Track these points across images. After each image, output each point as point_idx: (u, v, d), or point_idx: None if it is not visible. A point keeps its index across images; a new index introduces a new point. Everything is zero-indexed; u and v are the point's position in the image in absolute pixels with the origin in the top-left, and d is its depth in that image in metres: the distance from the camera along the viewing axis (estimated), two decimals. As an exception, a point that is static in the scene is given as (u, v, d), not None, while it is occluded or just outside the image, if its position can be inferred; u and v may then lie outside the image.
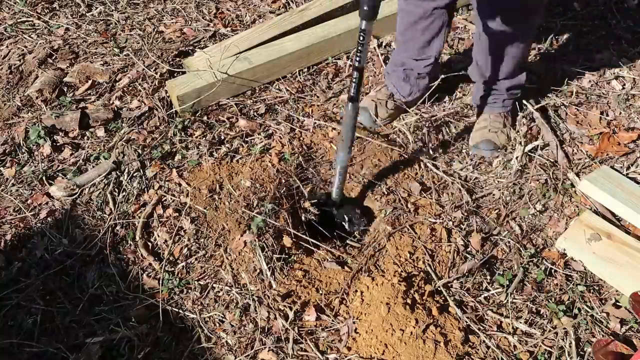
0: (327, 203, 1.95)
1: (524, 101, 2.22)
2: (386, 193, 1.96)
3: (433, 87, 2.15)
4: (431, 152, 2.09)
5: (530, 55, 2.32)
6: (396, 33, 2.12)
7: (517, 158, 2.02)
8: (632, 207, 1.85)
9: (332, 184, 1.85)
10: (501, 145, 2.08)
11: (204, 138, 2.12)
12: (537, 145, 2.08)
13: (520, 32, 1.84)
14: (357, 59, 1.43)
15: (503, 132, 2.09)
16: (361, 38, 1.38)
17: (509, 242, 1.84)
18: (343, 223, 1.95)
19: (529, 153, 2.07)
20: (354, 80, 1.50)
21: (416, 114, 2.22)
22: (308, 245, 1.84)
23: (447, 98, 2.30)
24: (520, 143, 2.06)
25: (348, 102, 1.57)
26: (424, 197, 1.95)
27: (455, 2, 1.95)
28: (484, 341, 1.60)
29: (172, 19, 2.68)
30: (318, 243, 1.83)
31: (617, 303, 1.70)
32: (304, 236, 1.84)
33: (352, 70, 1.49)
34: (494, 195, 1.98)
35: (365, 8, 1.33)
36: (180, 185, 1.97)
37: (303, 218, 1.94)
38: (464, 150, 2.13)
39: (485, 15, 1.81)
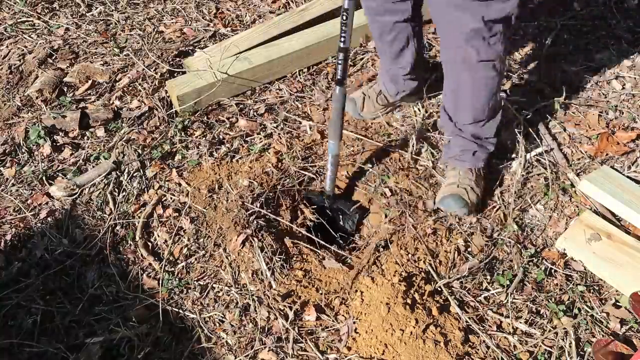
0: (322, 200, 1.95)
1: (524, 98, 2.22)
2: (387, 193, 1.96)
3: (427, 84, 2.15)
4: (431, 152, 2.09)
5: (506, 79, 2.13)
6: None
7: (520, 164, 2.01)
8: (632, 207, 1.85)
9: (325, 176, 1.83)
10: (471, 204, 1.84)
11: (204, 138, 2.12)
12: (541, 151, 2.07)
13: (477, 57, 1.62)
14: (342, 39, 1.40)
15: (474, 190, 1.87)
16: (344, 17, 1.36)
17: (509, 242, 1.84)
18: (338, 218, 1.95)
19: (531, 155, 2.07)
20: (339, 62, 1.47)
21: (416, 114, 2.22)
22: (308, 246, 1.84)
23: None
24: (525, 150, 2.05)
25: (336, 86, 1.54)
26: (425, 196, 1.95)
27: (418, 16, 1.90)
28: (484, 341, 1.60)
29: (172, 19, 2.68)
30: (316, 250, 1.82)
31: (617, 303, 1.70)
32: (302, 243, 1.84)
33: (337, 51, 1.45)
34: (494, 195, 1.98)
35: None
36: (180, 185, 1.97)
37: (302, 220, 1.94)
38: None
39: (444, 39, 1.69)
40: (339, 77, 1.52)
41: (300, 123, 2.20)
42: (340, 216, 1.97)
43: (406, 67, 2.05)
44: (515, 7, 1.52)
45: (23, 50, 2.47)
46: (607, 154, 2.09)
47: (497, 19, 1.53)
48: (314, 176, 2.02)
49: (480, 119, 1.84)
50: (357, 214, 1.94)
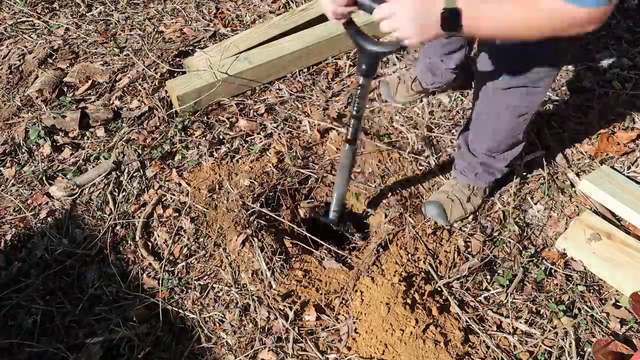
0: (326, 218, 1.92)
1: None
2: (388, 193, 1.96)
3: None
4: (432, 152, 2.09)
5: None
6: None
7: (519, 165, 2.01)
8: (632, 207, 1.85)
9: (330, 204, 1.83)
10: (450, 216, 1.85)
11: (204, 138, 2.12)
12: (541, 151, 2.07)
13: (509, 104, 1.57)
14: (356, 108, 1.48)
15: (461, 205, 1.86)
16: (359, 91, 1.44)
17: (509, 242, 1.84)
18: (342, 234, 1.94)
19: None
20: (352, 125, 1.53)
21: (418, 114, 2.22)
22: (307, 246, 1.84)
23: (447, 99, 2.30)
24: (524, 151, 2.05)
25: (345, 144, 1.58)
26: (425, 197, 1.95)
27: None
28: (484, 341, 1.60)
29: (172, 19, 2.68)
30: (314, 250, 1.82)
31: (617, 303, 1.70)
32: (302, 243, 1.84)
33: (351, 117, 1.51)
34: (494, 195, 1.98)
35: (363, 66, 1.37)
36: (180, 185, 1.97)
37: (302, 215, 1.94)
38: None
39: (481, 76, 1.59)
40: (349, 137, 1.56)
41: (301, 123, 2.20)
42: (345, 233, 1.95)
43: (451, 65, 2.05)
44: (559, 70, 1.49)
45: (23, 50, 2.47)
46: (607, 154, 2.09)
47: (542, 77, 1.46)
48: (314, 176, 2.02)
49: (495, 151, 1.76)
50: (362, 233, 1.94)
